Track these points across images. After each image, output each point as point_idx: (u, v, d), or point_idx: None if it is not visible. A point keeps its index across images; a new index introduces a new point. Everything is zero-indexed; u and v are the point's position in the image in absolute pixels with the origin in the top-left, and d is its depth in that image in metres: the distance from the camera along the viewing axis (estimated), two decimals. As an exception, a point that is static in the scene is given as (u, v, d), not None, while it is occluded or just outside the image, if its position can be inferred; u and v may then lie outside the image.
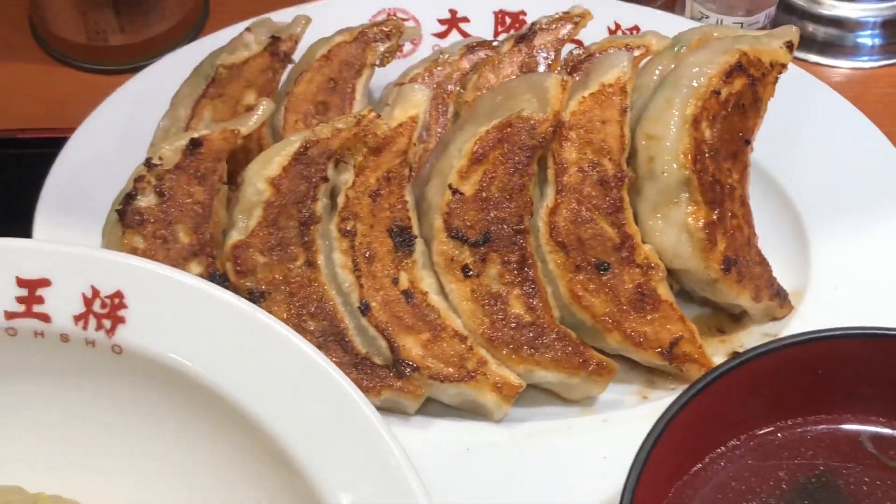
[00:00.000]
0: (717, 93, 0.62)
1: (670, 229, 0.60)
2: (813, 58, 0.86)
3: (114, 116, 0.72)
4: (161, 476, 0.55)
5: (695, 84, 0.62)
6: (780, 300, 0.62)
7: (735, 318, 0.64)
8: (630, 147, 0.62)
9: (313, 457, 0.49)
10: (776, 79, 0.65)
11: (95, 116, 0.73)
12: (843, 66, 0.86)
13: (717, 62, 0.62)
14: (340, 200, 0.60)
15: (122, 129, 0.71)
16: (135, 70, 0.78)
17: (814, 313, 0.61)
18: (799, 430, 0.54)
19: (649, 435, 0.46)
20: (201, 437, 0.54)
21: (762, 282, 0.61)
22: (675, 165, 0.60)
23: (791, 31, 0.67)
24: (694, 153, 0.60)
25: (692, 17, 0.82)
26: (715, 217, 0.59)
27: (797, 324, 0.61)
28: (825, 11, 0.86)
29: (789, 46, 0.65)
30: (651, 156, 0.61)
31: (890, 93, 0.84)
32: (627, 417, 0.59)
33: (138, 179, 0.58)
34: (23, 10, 0.89)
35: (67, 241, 0.61)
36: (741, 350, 0.60)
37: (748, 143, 0.64)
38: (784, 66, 0.65)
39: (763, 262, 0.62)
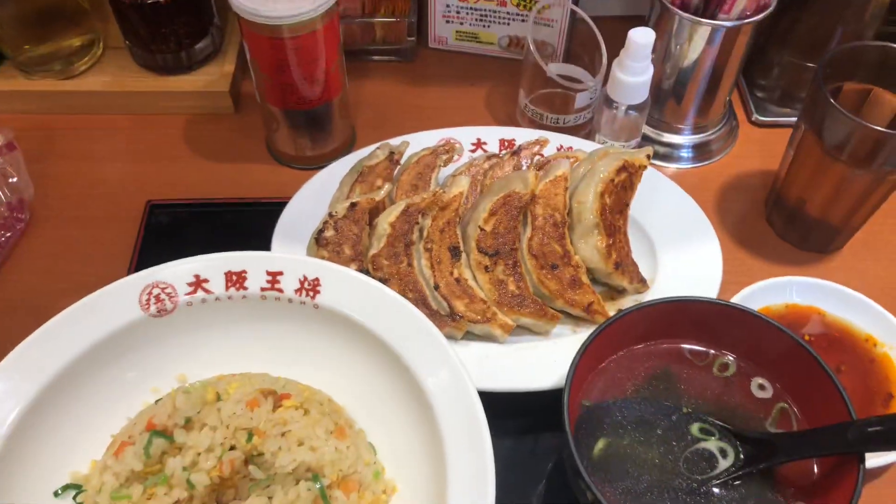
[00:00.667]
0: (612, 180, 0.88)
1: (589, 248, 0.87)
2: (658, 162, 1.09)
3: (310, 191, 0.95)
4: (341, 371, 0.81)
5: (601, 175, 0.88)
6: (642, 284, 0.88)
7: (619, 292, 0.90)
8: (569, 207, 0.91)
9: (414, 359, 0.74)
10: (641, 173, 0.91)
11: (301, 192, 0.95)
12: (672, 167, 1.13)
13: (612, 164, 0.88)
14: (424, 233, 0.88)
15: (314, 197, 0.94)
16: (319, 168, 0.99)
17: (660, 289, 0.90)
18: (654, 346, 0.77)
19: (580, 348, 0.69)
20: (360, 352, 0.80)
21: (633, 274, 0.88)
22: (591, 216, 0.87)
23: (649, 149, 0.93)
24: (601, 210, 0.86)
25: (599, 142, 1.03)
26: (611, 242, 0.89)
27: (651, 295, 0.91)
28: (663, 138, 1.12)
29: (648, 156, 0.91)
30: (579, 211, 0.89)
31: (696, 181, 1.09)
32: (566, 341, 0.84)
33: (325, 222, 0.87)
34: (262, 136, 1.12)
35: (290, 253, 0.90)
36: (622, 308, 0.83)
37: (627, 205, 0.91)
38: (645, 166, 0.91)
39: (634, 264, 0.89)
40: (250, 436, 0.71)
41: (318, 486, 0.70)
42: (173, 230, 1.06)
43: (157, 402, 0.78)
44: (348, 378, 0.82)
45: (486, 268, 0.87)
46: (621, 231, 0.93)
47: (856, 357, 0.91)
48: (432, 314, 0.86)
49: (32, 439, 0.72)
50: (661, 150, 1.14)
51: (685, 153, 1.15)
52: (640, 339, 0.81)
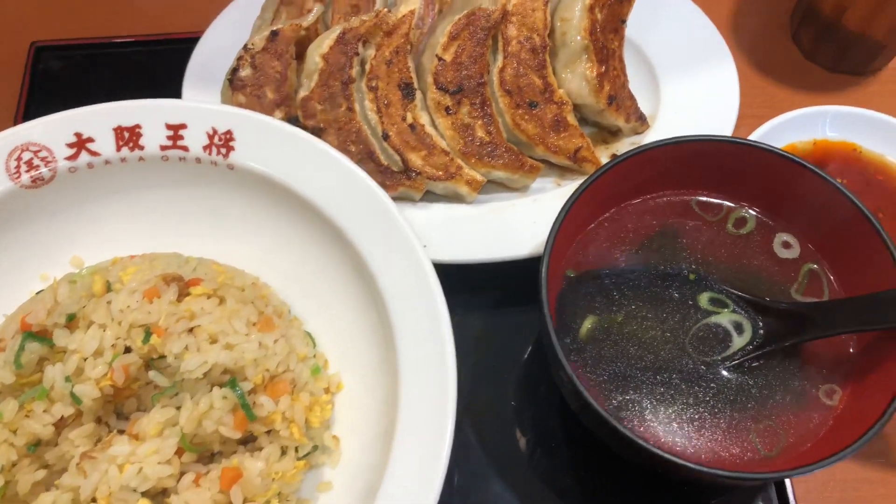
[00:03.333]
0: None
1: (576, 79, 0.75)
2: None
3: (228, 22, 0.84)
4: (267, 246, 0.70)
5: None
6: (641, 122, 0.78)
7: (613, 134, 0.79)
8: (550, 27, 0.76)
9: (355, 228, 0.64)
10: None
11: (216, 23, 0.84)
12: None
13: None
14: (367, 67, 0.74)
15: (233, 29, 0.82)
16: None
17: (663, 128, 0.78)
18: (654, 200, 0.68)
19: (563, 206, 0.60)
20: (290, 222, 0.68)
21: (631, 110, 0.77)
22: (578, 37, 0.75)
23: None
24: (590, 29, 0.74)
25: None
26: (603, 70, 0.75)
27: (652, 135, 0.77)
28: None
29: None
30: (564, 31, 0.76)
31: None
32: (549, 197, 0.75)
33: (240, 58, 0.74)
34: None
35: (198, 100, 0.76)
36: (617, 153, 0.75)
37: (623, 22, 0.79)
38: None
39: (632, 98, 0.78)
40: (148, 334, 0.57)
41: (236, 392, 0.57)
42: (67, 79, 0.91)
43: (38, 293, 0.64)
44: (276, 254, 0.70)
45: (447, 109, 0.75)
46: (616, 56, 0.78)
47: None
48: (382, 171, 0.74)
49: None
50: None
51: None
52: (637, 193, 0.68)
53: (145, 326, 0.58)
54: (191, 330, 0.59)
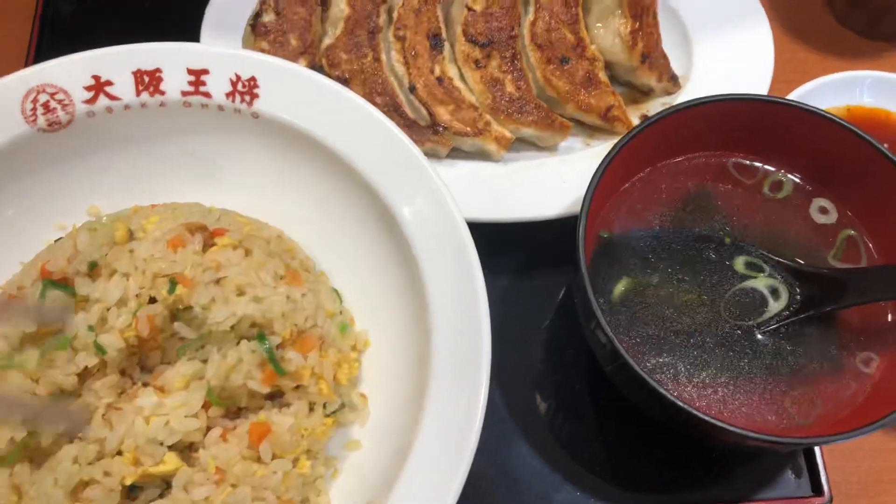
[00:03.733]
0: None
1: (609, 34, 0.74)
2: None
3: None
4: (292, 198, 0.68)
5: None
6: (674, 82, 0.76)
7: (644, 93, 0.78)
8: None
9: (383, 182, 0.62)
10: None
11: None
12: None
13: None
14: (394, 16, 0.73)
15: None
16: None
17: (694, 89, 0.76)
18: (689, 162, 0.66)
19: (599, 166, 0.59)
20: (316, 174, 0.66)
21: (664, 69, 0.76)
22: None
23: None
24: None
25: None
26: (637, 26, 0.74)
27: (684, 96, 0.76)
28: None
29: None
30: None
31: None
32: (578, 157, 0.74)
33: (263, 3, 0.72)
34: None
35: (219, 45, 0.73)
36: (648, 114, 0.76)
37: None
38: None
39: (665, 57, 0.76)
40: (174, 284, 0.55)
41: (264, 346, 0.55)
42: (78, 24, 0.87)
43: (56, 241, 0.62)
44: (302, 206, 0.68)
45: (476, 62, 0.73)
46: (650, 12, 0.76)
47: None
48: (408, 124, 0.72)
49: None
50: None
51: None
52: (671, 154, 0.66)
53: (170, 276, 0.56)
54: (217, 281, 0.57)
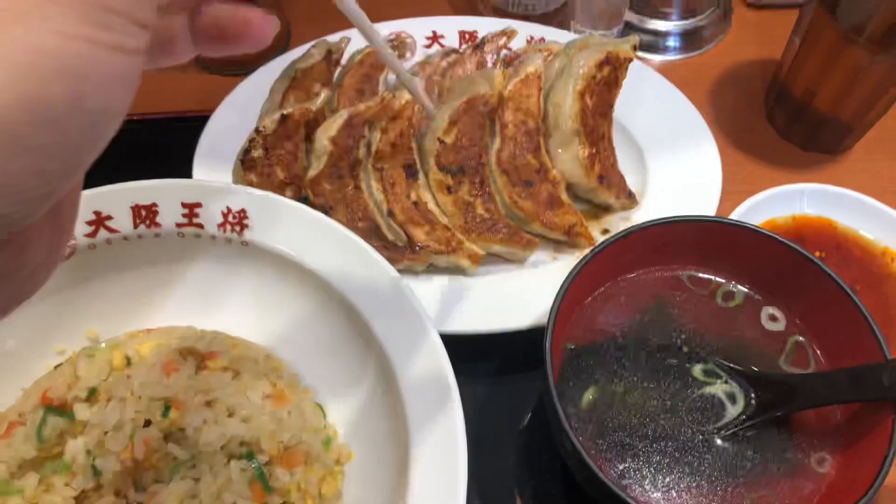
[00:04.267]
0: (594, 76, 0.79)
1: (569, 158, 0.79)
2: (642, 54, 1.04)
3: (236, 102, 0.85)
4: (278, 319, 0.71)
5: (581, 71, 0.79)
6: (631, 199, 0.81)
7: (604, 209, 0.82)
8: (543, 111, 0.80)
9: (363, 302, 0.65)
10: (627, 67, 0.82)
11: (225, 103, 0.85)
12: (658, 58, 1.05)
13: (593, 58, 0.80)
14: (373, 149, 0.77)
15: (242, 109, 0.84)
16: (247, 74, 0.89)
17: (650, 204, 0.81)
18: (646, 275, 0.71)
19: (563, 284, 0.62)
20: (301, 296, 0.70)
21: (620, 188, 0.80)
22: (570, 121, 0.78)
23: (634, 39, 0.83)
24: (581, 113, 0.78)
25: (575, 31, 0.97)
26: (594, 151, 0.79)
27: (641, 212, 0.81)
28: (648, 26, 1.03)
29: (634, 47, 0.82)
30: (556, 115, 0.79)
31: (686, 74, 1.01)
32: (545, 270, 0.77)
33: (251, 140, 0.76)
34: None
35: (211, 179, 0.77)
36: (609, 227, 0.80)
37: (611, 106, 0.82)
38: (631, 59, 0.82)
39: (621, 176, 0.81)
40: (167, 407, 0.59)
41: (254, 464, 0.58)
42: None
43: (56, 367, 0.65)
44: (288, 326, 0.72)
45: (448, 188, 0.76)
46: (605, 138, 0.81)
47: (871, 274, 0.81)
48: (387, 246, 0.76)
49: None
50: (646, 38, 1.05)
51: (673, 42, 1.06)
52: (629, 268, 0.71)
53: (164, 400, 0.60)
54: (208, 403, 0.61)
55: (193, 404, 0.60)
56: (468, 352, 0.68)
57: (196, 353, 0.64)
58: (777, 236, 0.67)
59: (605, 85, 0.81)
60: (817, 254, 0.82)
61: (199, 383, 0.62)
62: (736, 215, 0.78)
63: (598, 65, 0.79)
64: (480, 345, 0.73)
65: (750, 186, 0.85)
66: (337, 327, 0.69)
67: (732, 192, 0.85)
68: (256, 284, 0.71)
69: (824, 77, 0.86)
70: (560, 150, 0.79)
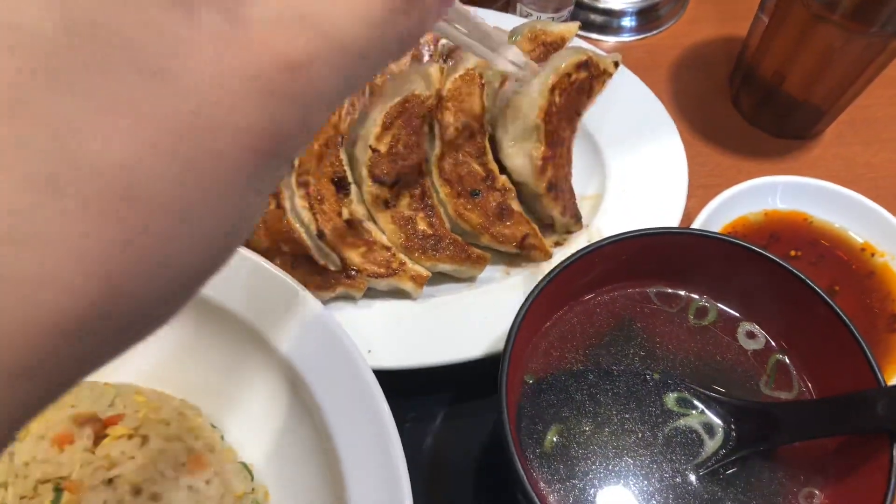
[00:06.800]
0: (570, 75, 0.71)
1: (520, 154, 0.70)
2: (594, 35, 0.97)
3: None
4: (191, 362, 0.63)
5: (561, 65, 0.71)
6: (576, 220, 0.73)
7: (547, 226, 0.74)
8: (501, 102, 0.72)
9: (282, 341, 0.59)
10: (604, 81, 0.75)
11: None
12: (611, 39, 0.98)
13: (573, 57, 0.72)
14: (295, 162, 0.68)
15: None
16: None
17: (610, 207, 0.75)
18: (608, 294, 0.64)
19: (518, 312, 0.55)
20: (214, 332, 0.62)
21: (569, 205, 0.73)
22: (532, 115, 0.69)
23: (618, 56, 0.77)
24: (546, 110, 0.70)
25: (521, 15, 0.90)
26: (549, 154, 0.71)
27: (601, 218, 0.74)
28: (601, 4, 0.96)
29: (616, 64, 0.76)
30: (518, 105, 0.70)
31: (643, 57, 0.95)
32: (498, 288, 0.70)
33: None
34: None
35: None
36: (561, 241, 0.74)
37: (579, 115, 0.75)
38: (611, 75, 0.75)
39: (572, 193, 0.74)
40: (59, 490, 0.50)
41: (164, 552, 0.49)
42: None
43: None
44: (207, 372, 0.63)
45: (385, 202, 0.68)
46: (565, 146, 0.74)
47: (851, 273, 0.75)
48: (318, 272, 0.68)
49: None
50: (598, 19, 0.98)
51: (628, 22, 0.99)
52: (592, 287, 0.64)
53: (55, 481, 0.51)
54: (110, 481, 0.52)
55: (91, 484, 0.51)
56: (418, 384, 0.64)
57: (95, 420, 0.55)
58: (750, 245, 0.60)
59: (577, 89, 0.73)
60: (792, 252, 0.77)
61: (98, 457, 0.53)
62: (705, 214, 0.72)
63: (576, 65, 0.72)
64: (431, 375, 0.66)
65: (718, 180, 0.80)
66: (260, 373, 0.61)
67: (699, 186, 0.80)
68: (168, 327, 0.62)
69: (794, 58, 0.80)
70: (513, 144, 0.71)
